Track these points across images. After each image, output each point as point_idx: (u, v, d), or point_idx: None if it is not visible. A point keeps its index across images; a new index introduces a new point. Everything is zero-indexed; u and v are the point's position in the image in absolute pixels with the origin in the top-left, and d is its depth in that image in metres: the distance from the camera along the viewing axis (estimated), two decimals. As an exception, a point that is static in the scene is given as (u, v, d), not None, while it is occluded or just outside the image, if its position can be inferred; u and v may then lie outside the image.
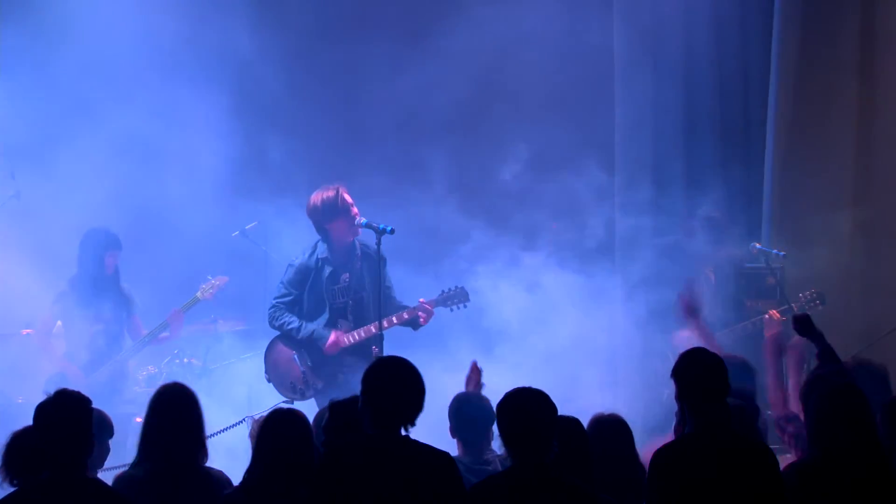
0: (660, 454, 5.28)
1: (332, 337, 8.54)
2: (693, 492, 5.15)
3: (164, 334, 9.36)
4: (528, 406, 5.10)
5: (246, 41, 10.36)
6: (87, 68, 10.11)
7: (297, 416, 5.55)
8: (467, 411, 6.30)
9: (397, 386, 5.09)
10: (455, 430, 6.27)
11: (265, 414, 5.73)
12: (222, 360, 9.90)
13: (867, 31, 9.99)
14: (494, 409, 5.30)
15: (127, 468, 5.67)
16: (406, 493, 4.92)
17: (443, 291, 8.62)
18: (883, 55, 9.97)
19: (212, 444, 5.76)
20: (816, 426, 5.57)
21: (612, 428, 5.82)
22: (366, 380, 5.12)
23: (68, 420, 5.06)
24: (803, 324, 6.99)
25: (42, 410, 5.10)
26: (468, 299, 8.63)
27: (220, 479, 5.64)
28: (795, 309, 9.22)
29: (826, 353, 6.77)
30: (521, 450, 5.07)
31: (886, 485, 5.40)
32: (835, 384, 5.86)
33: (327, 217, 8.57)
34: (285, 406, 5.52)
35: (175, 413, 5.62)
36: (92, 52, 10.11)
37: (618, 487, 5.55)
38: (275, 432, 5.45)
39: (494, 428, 5.32)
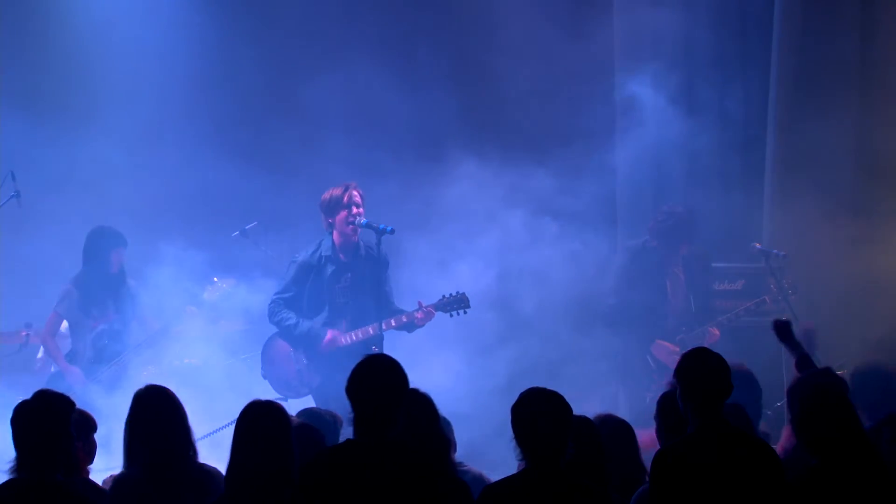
0: (662, 454, 5.26)
1: (329, 335, 8.54)
2: (695, 491, 5.14)
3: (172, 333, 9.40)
4: (542, 407, 5.02)
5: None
6: (85, 69, 10.15)
7: (276, 410, 5.28)
8: None
9: (371, 391, 4.92)
10: None
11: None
12: (222, 359, 9.90)
13: (867, 29, 10.01)
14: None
15: (121, 469, 5.67)
16: (392, 500, 4.80)
17: (443, 296, 8.59)
18: (883, 52, 10.01)
19: (208, 443, 5.75)
20: (801, 425, 5.53)
21: (614, 428, 5.81)
22: (346, 390, 4.99)
23: (41, 422, 5.05)
24: (782, 330, 6.93)
25: (17, 411, 5.09)
26: (469, 305, 8.59)
27: (214, 475, 5.59)
28: (769, 301, 9.22)
29: (803, 361, 6.71)
30: (535, 452, 4.99)
31: (880, 484, 5.40)
32: (817, 384, 5.86)
33: (331, 211, 8.61)
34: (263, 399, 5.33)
35: (158, 414, 5.55)
36: (91, 52, 10.14)
37: (620, 487, 5.54)
38: (254, 428, 5.17)
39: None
